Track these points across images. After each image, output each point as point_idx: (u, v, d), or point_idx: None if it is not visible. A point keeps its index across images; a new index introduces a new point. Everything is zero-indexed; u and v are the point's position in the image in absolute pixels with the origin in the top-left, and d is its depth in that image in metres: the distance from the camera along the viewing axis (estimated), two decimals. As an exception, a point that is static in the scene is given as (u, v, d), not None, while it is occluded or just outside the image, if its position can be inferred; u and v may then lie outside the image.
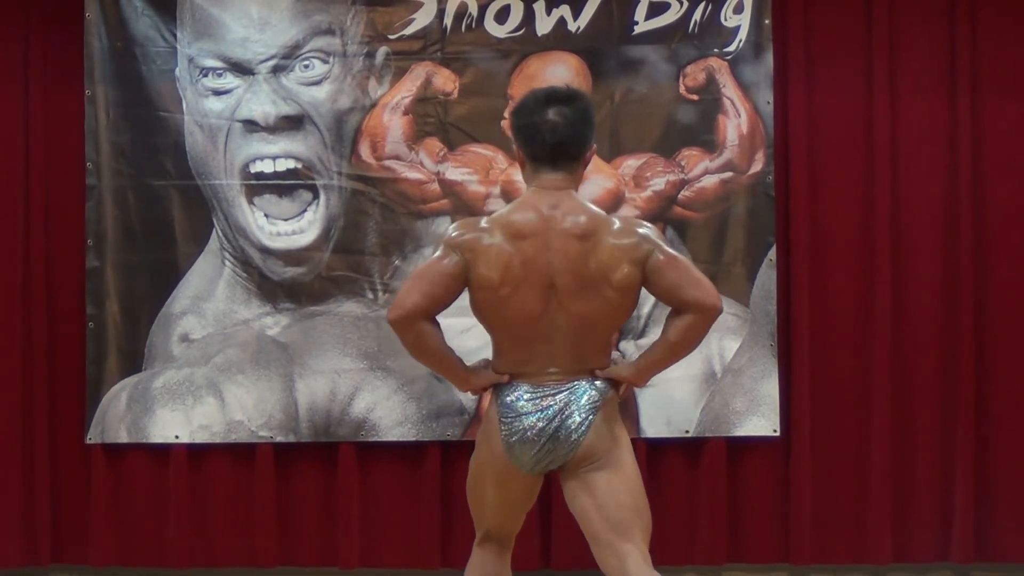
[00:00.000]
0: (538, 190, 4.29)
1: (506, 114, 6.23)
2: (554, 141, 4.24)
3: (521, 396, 4.25)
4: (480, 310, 4.33)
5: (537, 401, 4.23)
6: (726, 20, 6.30)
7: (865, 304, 6.37)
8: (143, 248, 6.34)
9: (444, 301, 4.26)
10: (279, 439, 6.31)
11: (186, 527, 6.35)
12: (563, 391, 4.23)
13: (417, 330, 4.23)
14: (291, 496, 6.39)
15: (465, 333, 6.14)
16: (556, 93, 4.31)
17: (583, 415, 4.22)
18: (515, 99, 6.27)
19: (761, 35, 6.29)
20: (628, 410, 6.25)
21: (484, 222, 4.31)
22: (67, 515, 6.43)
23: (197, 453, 6.34)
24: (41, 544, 6.39)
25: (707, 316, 4.22)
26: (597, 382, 4.26)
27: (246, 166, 6.32)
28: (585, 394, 4.23)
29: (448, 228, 4.39)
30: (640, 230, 4.26)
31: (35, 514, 6.39)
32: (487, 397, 4.51)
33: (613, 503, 4.25)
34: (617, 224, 4.27)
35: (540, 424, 4.22)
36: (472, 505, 4.45)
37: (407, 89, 6.32)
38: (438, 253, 4.29)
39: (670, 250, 4.27)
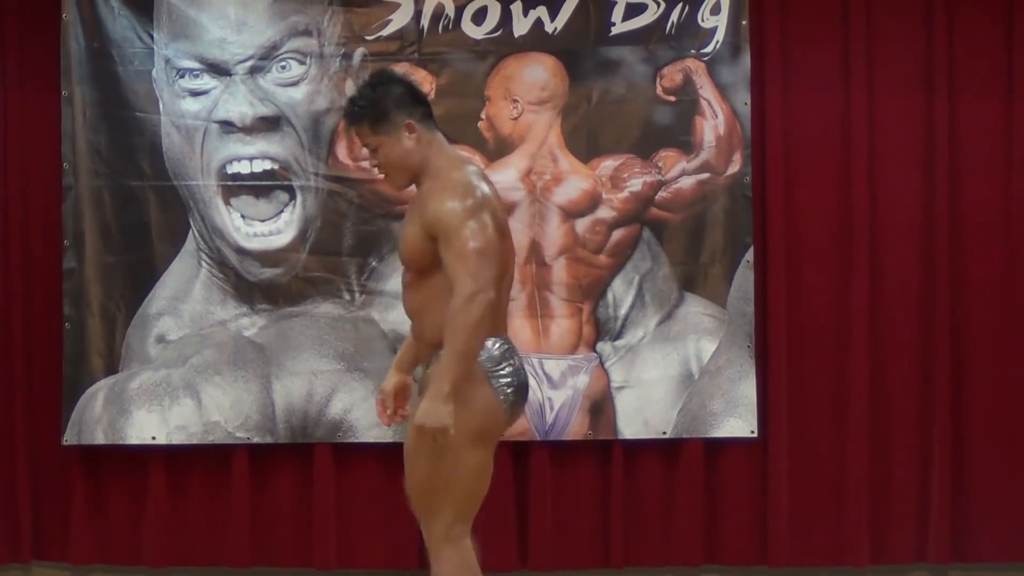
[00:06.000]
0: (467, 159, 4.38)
1: (483, 115, 6.26)
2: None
3: (501, 346, 4.24)
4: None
5: (512, 349, 4.28)
6: (703, 21, 6.29)
7: (842, 305, 6.37)
8: (120, 249, 6.33)
9: None
10: (256, 440, 6.30)
11: (163, 527, 6.35)
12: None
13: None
14: (268, 497, 6.39)
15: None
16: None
17: None
18: (490, 99, 6.30)
19: (738, 36, 6.29)
20: (605, 411, 6.26)
21: (477, 178, 4.25)
22: (47, 515, 6.44)
23: (174, 454, 6.33)
24: (23, 542, 6.40)
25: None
26: None
27: (223, 167, 6.31)
28: None
29: (464, 176, 4.22)
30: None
31: (15, 513, 6.39)
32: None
33: None
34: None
35: (519, 363, 4.28)
36: (474, 499, 4.28)
37: (384, 90, 6.30)
38: (480, 217, 4.13)
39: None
